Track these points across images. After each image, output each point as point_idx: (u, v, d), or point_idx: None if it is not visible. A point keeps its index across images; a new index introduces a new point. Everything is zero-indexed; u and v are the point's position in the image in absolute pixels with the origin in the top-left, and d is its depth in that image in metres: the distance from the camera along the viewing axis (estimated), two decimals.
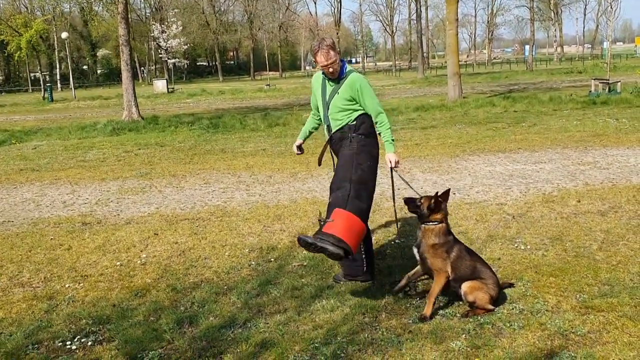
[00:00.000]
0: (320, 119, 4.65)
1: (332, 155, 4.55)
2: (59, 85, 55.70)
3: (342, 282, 4.37)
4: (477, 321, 3.67)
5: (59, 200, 8.03)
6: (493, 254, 4.91)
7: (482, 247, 5.08)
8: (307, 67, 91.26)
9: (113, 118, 19.68)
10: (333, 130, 4.40)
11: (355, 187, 4.14)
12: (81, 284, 4.74)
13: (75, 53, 75.73)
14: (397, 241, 5.38)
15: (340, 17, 77.35)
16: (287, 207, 6.94)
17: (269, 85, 42.01)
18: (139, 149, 12.74)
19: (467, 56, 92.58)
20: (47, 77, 65.35)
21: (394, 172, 4.42)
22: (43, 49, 61.79)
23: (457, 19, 21.53)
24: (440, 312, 3.84)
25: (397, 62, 71.40)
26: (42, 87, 47.02)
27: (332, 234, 3.76)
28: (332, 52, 4.24)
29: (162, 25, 51.74)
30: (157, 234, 6.02)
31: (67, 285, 4.72)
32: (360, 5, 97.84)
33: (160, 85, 41.53)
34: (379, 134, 4.38)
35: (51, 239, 6.08)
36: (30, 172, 10.45)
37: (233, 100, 31.06)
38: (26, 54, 50.97)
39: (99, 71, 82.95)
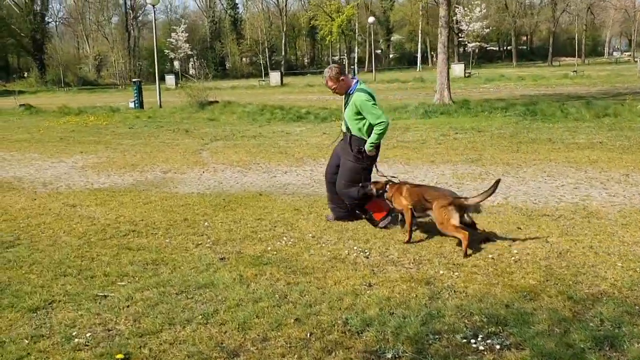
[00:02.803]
0: None
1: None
2: (356, 68, 59.78)
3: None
4: None
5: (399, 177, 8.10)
6: None
7: None
8: (615, 53, 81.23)
9: (423, 101, 19.85)
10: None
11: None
12: (456, 273, 4.47)
13: (371, 37, 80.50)
14: None
15: None
16: None
17: (575, 71, 38.33)
18: (456, 133, 12.47)
19: None
20: (344, 60, 70.89)
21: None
22: (348, 34, 66.99)
23: None
24: None
25: None
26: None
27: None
28: (329, 82, 5.68)
29: (466, 9, 51.07)
30: (520, 229, 5.51)
31: (441, 272, 4.50)
32: None
33: (457, 69, 41.36)
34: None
35: None
36: None
37: (536, 86, 29.02)
38: (335, 38, 55.79)
39: (390, 55, 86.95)
